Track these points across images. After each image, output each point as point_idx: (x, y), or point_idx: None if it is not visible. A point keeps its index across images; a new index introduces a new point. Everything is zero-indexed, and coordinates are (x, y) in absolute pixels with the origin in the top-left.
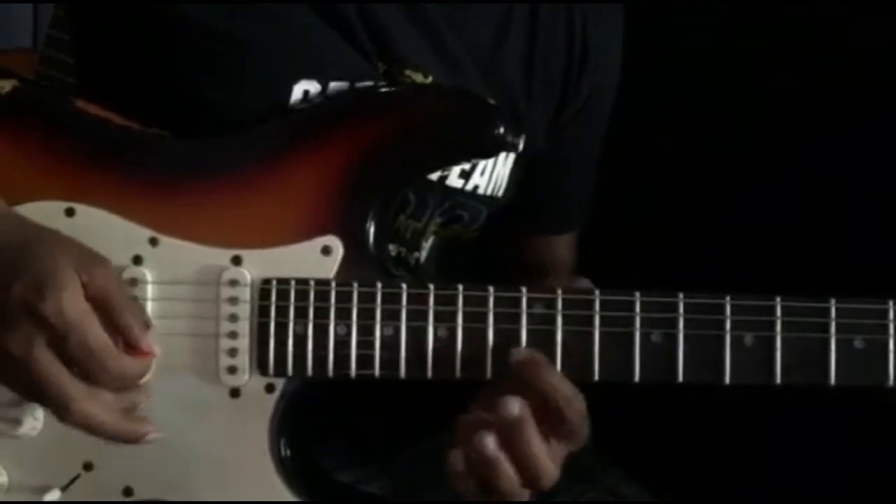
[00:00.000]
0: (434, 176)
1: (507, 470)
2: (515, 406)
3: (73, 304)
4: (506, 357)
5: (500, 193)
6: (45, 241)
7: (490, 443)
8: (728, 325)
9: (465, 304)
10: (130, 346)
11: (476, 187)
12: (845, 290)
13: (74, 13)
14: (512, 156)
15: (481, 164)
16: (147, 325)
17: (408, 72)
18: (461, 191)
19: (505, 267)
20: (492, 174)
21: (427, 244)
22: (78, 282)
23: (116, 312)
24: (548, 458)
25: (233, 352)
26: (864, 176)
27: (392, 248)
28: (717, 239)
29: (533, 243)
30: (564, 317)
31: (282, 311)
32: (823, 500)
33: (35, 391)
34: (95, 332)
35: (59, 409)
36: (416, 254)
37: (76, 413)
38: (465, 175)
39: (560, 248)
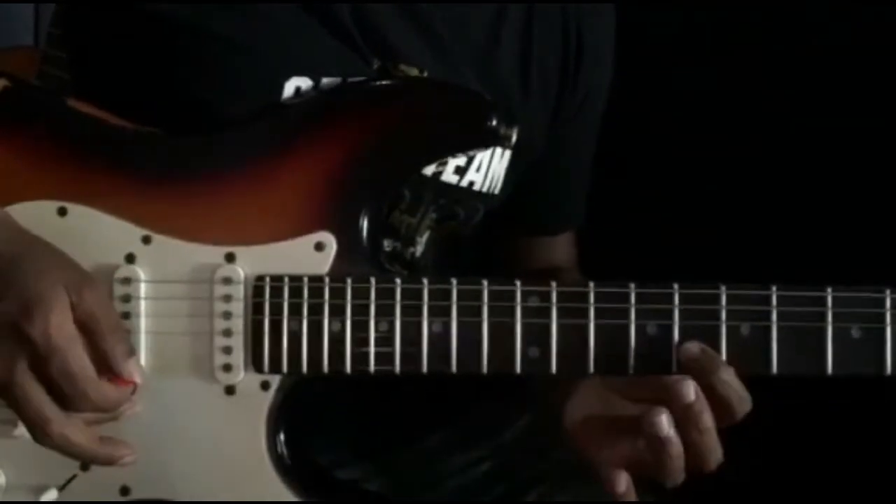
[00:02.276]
0: (429, 171)
1: (679, 450)
2: (691, 390)
3: (59, 328)
4: (676, 354)
5: (497, 190)
6: (37, 257)
7: (664, 421)
8: (724, 315)
9: (459, 298)
10: (112, 373)
11: (472, 183)
12: (841, 278)
13: (68, 12)
14: (508, 152)
15: (476, 160)
16: (131, 352)
17: (402, 67)
18: (456, 187)
19: (504, 265)
20: (488, 171)
21: (422, 239)
22: (67, 304)
23: (101, 337)
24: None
25: (227, 349)
26: (860, 169)
27: (387, 244)
28: (714, 235)
29: (533, 244)
30: (559, 309)
31: (276, 308)
32: (824, 500)
33: (14, 409)
34: (78, 359)
35: (36, 430)
36: (412, 249)
37: (52, 435)
38: (461, 171)
39: (561, 248)
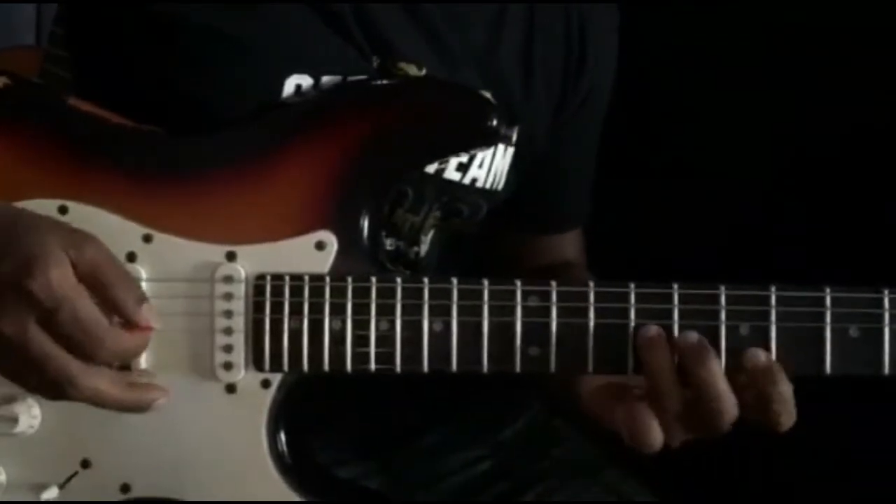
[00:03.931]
0: (431, 169)
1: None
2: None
3: (61, 279)
4: (744, 359)
5: (500, 187)
6: (32, 221)
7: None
8: (723, 315)
9: (459, 297)
10: (127, 322)
11: (474, 180)
12: (839, 279)
13: (69, 11)
14: (511, 149)
15: (479, 157)
16: (142, 298)
17: (402, 65)
18: (459, 184)
19: (510, 264)
20: (490, 167)
21: (427, 238)
22: (66, 259)
23: (108, 287)
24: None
25: (228, 348)
26: (859, 169)
27: (390, 243)
28: (714, 235)
29: (539, 242)
30: (559, 309)
31: (276, 307)
32: (824, 500)
33: (35, 373)
34: (85, 306)
35: (64, 385)
36: (416, 248)
37: (82, 387)
38: (463, 168)
39: (567, 246)
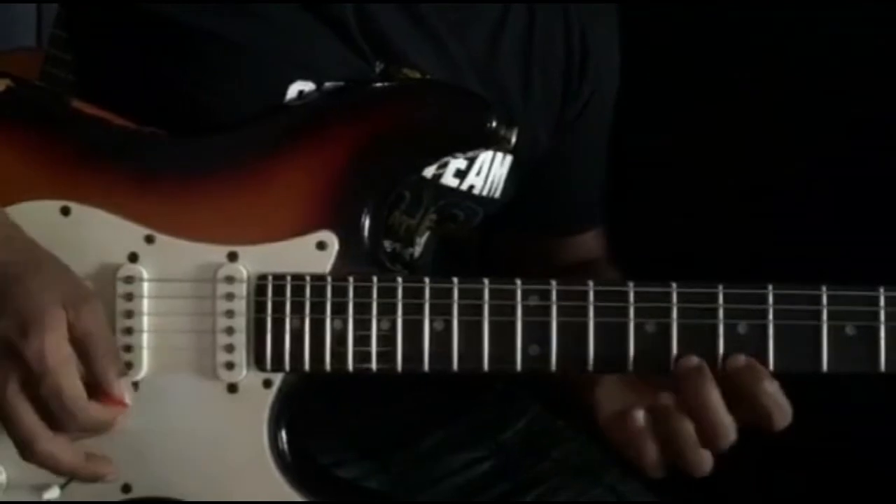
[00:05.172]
0: (429, 174)
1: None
2: (694, 359)
3: (54, 349)
4: (726, 364)
5: (497, 194)
6: (39, 271)
7: (666, 397)
8: (721, 314)
9: (460, 296)
10: (103, 393)
11: (471, 187)
12: (836, 277)
13: (72, 15)
14: (509, 157)
15: (477, 164)
16: (123, 373)
17: (405, 70)
18: (456, 190)
19: (514, 268)
20: (488, 175)
21: (421, 240)
22: (64, 323)
23: (94, 357)
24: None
25: (229, 348)
26: (858, 169)
27: (387, 244)
28: (711, 235)
29: (548, 245)
30: (559, 308)
31: (278, 307)
32: (824, 500)
33: (4, 425)
34: (70, 381)
35: (23, 447)
36: (410, 249)
37: (39, 453)
38: (461, 174)
39: (583, 249)
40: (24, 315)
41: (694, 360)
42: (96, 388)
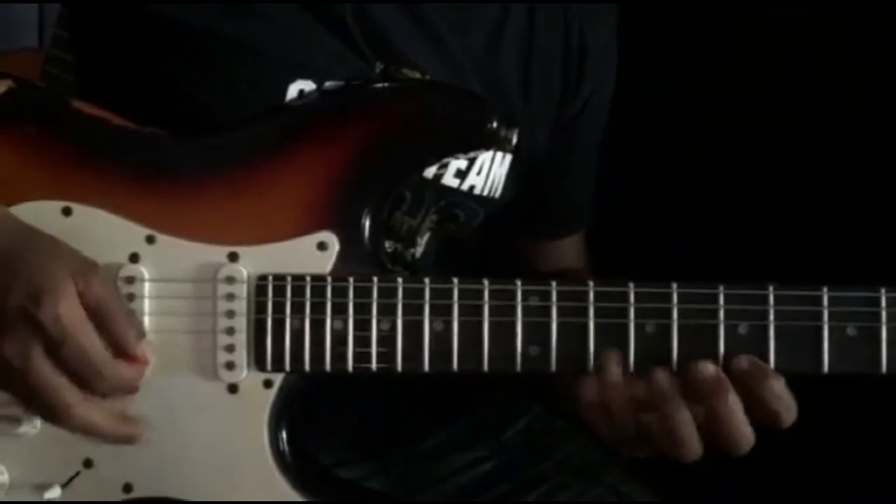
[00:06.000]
0: (429, 174)
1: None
2: (710, 367)
3: (70, 313)
4: (729, 367)
5: (497, 194)
6: (41, 247)
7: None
8: (722, 315)
9: (460, 297)
10: (125, 354)
11: (472, 187)
12: (837, 278)
13: (74, 15)
14: (509, 157)
15: (477, 164)
16: (142, 333)
17: (405, 70)
18: (457, 190)
19: (513, 268)
20: (488, 175)
21: (422, 241)
22: (74, 290)
23: (112, 321)
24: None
25: (230, 348)
26: (858, 169)
27: (388, 245)
28: (712, 235)
29: (542, 247)
30: (559, 308)
31: (278, 307)
32: (824, 500)
33: (34, 398)
34: (92, 340)
35: (60, 414)
36: (412, 250)
37: (77, 418)
38: (461, 175)
39: (571, 250)
40: (35, 285)
41: (710, 368)
42: (116, 352)
